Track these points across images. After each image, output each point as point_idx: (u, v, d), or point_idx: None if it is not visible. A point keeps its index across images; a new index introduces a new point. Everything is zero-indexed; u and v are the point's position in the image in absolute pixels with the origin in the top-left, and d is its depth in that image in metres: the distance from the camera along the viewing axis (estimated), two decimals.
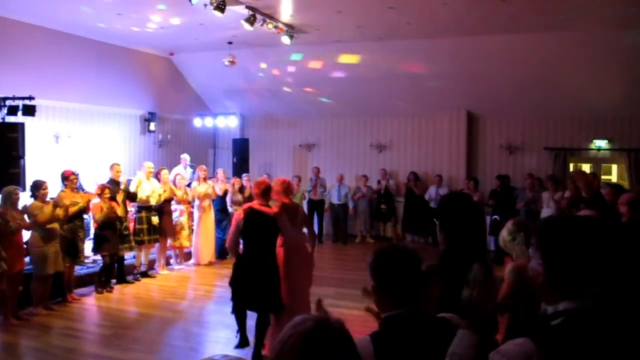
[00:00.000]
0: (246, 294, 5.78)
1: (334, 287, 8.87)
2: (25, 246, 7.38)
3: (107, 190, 8.57)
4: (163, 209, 9.87)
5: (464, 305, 2.15)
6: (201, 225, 10.71)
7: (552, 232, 1.78)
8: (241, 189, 11.53)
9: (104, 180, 9.71)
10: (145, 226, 9.42)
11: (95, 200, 8.51)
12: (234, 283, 5.89)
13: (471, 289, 2.14)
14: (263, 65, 13.34)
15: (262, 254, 5.80)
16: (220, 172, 11.37)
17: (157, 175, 10.02)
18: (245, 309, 6.00)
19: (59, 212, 7.54)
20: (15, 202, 7.20)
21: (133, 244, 9.17)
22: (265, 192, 5.95)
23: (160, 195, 9.67)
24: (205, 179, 10.82)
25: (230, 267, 10.18)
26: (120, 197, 8.79)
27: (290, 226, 5.91)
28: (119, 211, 8.65)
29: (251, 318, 6.04)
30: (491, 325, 2.40)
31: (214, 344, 6.58)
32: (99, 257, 8.80)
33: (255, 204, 5.92)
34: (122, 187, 9.10)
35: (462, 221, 3.05)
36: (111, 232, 8.58)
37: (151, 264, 10.00)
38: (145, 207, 9.49)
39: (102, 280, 8.66)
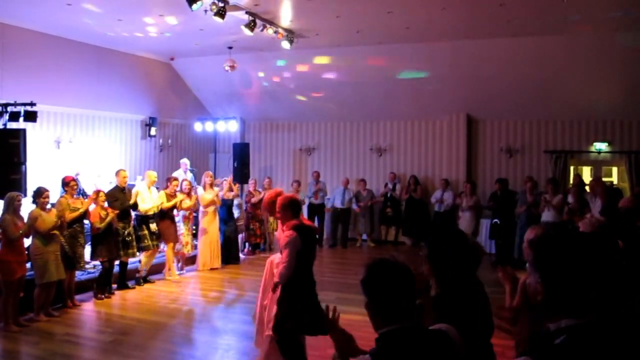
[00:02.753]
0: (307, 320, 4.99)
1: (334, 291, 8.86)
2: (26, 252, 7.39)
3: (101, 194, 8.56)
4: (166, 215, 9.87)
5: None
6: (205, 231, 10.70)
7: (548, 251, 1.78)
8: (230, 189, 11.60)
9: (105, 185, 9.74)
10: (146, 232, 9.42)
11: (92, 206, 8.49)
12: (290, 312, 5.06)
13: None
14: (263, 70, 13.37)
15: (311, 274, 5.21)
16: (225, 182, 11.31)
17: (167, 184, 10.03)
18: (304, 334, 5.21)
19: (60, 221, 7.56)
20: (17, 208, 7.21)
21: (135, 250, 9.17)
22: (298, 206, 5.29)
23: (158, 207, 9.66)
24: (211, 185, 10.79)
25: (233, 274, 10.41)
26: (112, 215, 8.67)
27: None
28: (115, 221, 8.61)
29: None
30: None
31: (214, 350, 6.58)
32: (98, 262, 8.78)
33: (298, 220, 5.20)
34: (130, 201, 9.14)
35: (456, 263, 2.83)
36: (108, 238, 8.54)
37: (154, 269, 10.00)
38: (143, 215, 9.47)
39: (100, 285, 8.66)
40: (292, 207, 5.21)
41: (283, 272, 4.99)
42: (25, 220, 7.26)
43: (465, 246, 2.92)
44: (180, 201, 10.04)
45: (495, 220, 11.36)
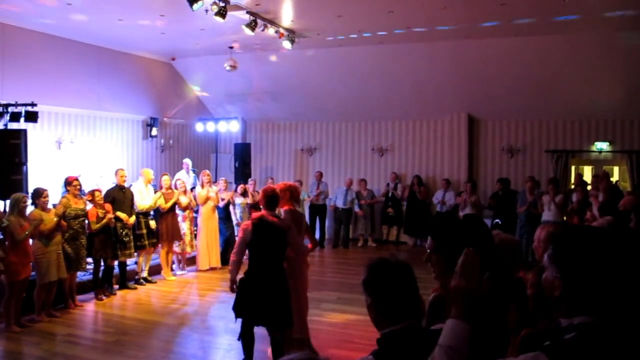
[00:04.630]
0: (257, 311, 5.43)
1: (335, 291, 8.88)
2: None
3: (97, 194, 8.56)
4: (167, 213, 9.88)
5: (452, 293, 1.97)
6: (204, 230, 10.70)
7: (570, 245, 1.74)
8: (244, 194, 11.58)
9: (106, 186, 9.74)
10: (144, 231, 9.44)
11: (89, 206, 8.50)
12: (241, 300, 5.48)
13: (459, 275, 1.98)
14: (264, 70, 13.36)
15: (272, 268, 5.47)
16: (222, 182, 11.35)
17: (160, 184, 10.08)
18: (256, 325, 5.62)
19: (60, 221, 7.56)
20: (22, 209, 7.21)
21: (133, 250, 9.17)
22: (272, 200, 5.64)
23: (156, 202, 9.68)
24: (209, 184, 10.82)
25: None
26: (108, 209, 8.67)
27: (297, 234, 5.62)
28: (110, 218, 8.59)
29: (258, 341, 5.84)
30: (481, 315, 2.31)
31: (216, 350, 6.59)
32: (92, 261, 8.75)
33: (264, 213, 5.57)
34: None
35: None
36: (103, 237, 8.50)
37: (155, 270, 10.02)
38: (142, 213, 9.50)
39: (98, 285, 8.64)
40: (265, 199, 5.63)
41: (231, 257, 5.59)
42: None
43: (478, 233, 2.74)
44: (178, 198, 10.08)
45: (497, 220, 11.36)
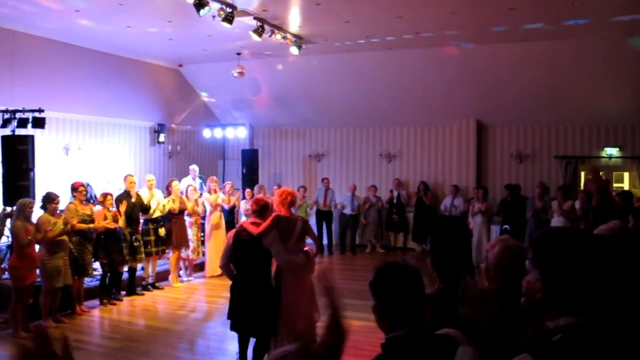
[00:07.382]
0: (240, 318, 5.59)
1: (342, 297, 8.79)
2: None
3: (109, 197, 8.57)
4: (175, 220, 9.88)
5: (462, 323, 2.08)
6: (213, 236, 10.69)
7: (550, 247, 1.73)
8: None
9: (114, 192, 9.76)
10: (152, 237, 9.43)
11: (98, 208, 8.51)
12: (230, 306, 5.70)
13: (465, 305, 2.07)
14: (272, 76, 13.35)
15: (253, 275, 5.57)
16: (228, 185, 11.37)
17: (168, 187, 10.08)
18: (241, 334, 5.76)
19: (68, 227, 7.55)
20: (28, 215, 7.22)
21: (143, 255, 9.16)
22: (261, 210, 5.71)
23: (164, 206, 9.68)
24: (216, 190, 10.82)
25: None
26: (123, 208, 8.73)
27: (281, 243, 5.52)
28: (121, 222, 8.61)
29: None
30: (491, 341, 2.32)
31: (221, 356, 6.55)
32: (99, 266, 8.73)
33: (248, 222, 5.77)
34: (133, 199, 9.11)
35: (453, 254, 2.97)
36: (111, 242, 8.51)
37: (162, 276, 10.00)
38: (151, 219, 9.51)
39: (104, 291, 8.63)
40: (254, 207, 5.80)
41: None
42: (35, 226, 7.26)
43: (465, 238, 3.03)
44: (195, 205, 10.14)
45: (505, 226, 11.28)
